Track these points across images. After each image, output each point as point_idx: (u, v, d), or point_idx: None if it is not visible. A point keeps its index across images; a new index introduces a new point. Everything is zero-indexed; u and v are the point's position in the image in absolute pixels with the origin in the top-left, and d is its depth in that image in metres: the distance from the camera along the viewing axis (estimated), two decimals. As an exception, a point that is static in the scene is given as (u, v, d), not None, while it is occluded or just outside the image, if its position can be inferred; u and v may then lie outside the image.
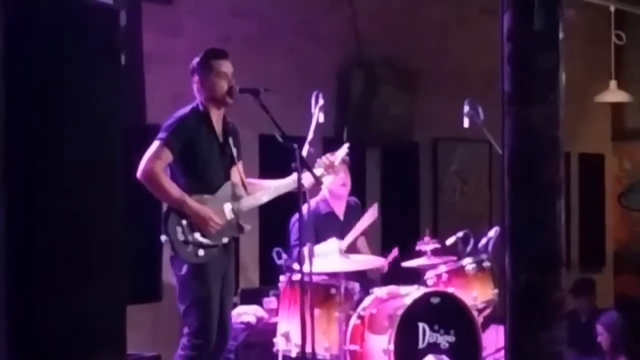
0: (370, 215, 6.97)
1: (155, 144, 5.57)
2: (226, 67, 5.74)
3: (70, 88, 4.34)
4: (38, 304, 4.65)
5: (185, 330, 5.66)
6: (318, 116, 6.52)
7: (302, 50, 9.04)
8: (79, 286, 4.91)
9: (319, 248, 6.18)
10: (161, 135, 5.62)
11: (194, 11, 8.31)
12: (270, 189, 5.95)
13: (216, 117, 5.78)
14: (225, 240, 5.70)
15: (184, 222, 5.58)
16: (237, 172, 5.87)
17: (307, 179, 5.77)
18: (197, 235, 5.59)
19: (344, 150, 6.36)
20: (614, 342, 7.81)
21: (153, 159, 5.54)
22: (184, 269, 5.59)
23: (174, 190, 5.57)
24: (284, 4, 8.96)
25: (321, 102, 6.52)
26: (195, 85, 5.76)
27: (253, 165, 8.05)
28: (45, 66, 4.29)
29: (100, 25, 4.50)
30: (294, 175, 5.74)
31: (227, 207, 5.72)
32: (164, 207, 5.65)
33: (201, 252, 5.59)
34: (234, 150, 5.84)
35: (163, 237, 5.56)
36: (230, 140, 5.84)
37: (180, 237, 5.57)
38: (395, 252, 6.99)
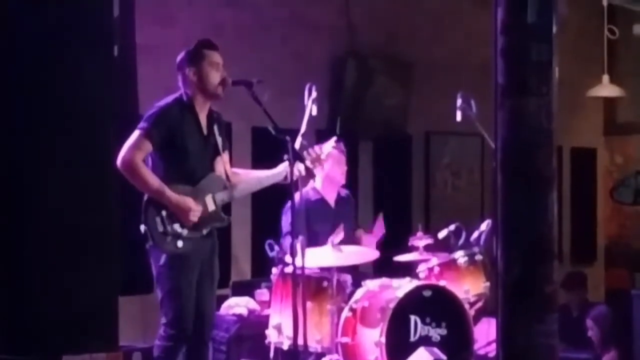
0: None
1: (136, 133, 5.53)
2: (217, 58, 5.72)
3: (63, 78, 4.35)
4: (30, 295, 4.65)
5: (162, 320, 5.67)
6: (311, 109, 6.52)
7: (295, 41, 9.04)
8: (71, 277, 4.91)
9: (313, 252, 6.18)
10: (142, 125, 5.58)
11: (188, 2, 8.31)
12: (253, 180, 5.94)
13: (201, 108, 5.74)
14: (205, 232, 5.70)
15: (164, 212, 5.56)
16: (221, 163, 5.85)
17: (297, 170, 5.78)
18: (177, 226, 5.58)
19: (331, 143, 6.35)
20: (603, 336, 7.83)
21: (132, 149, 5.51)
22: (162, 259, 5.59)
23: (153, 180, 5.55)
24: (277, -5, 8.97)
25: (314, 94, 6.52)
26: (182, 77, 5.71)
27: (246, 158, 8.05)
28: (38, 57, 4.29)
29: (93, 16, 4.50)
30: (280, 167, 5.76)
31: (209, 198, 5.70)
32: (145, 197, 5.63)
33: (180, 243, 5.59)
34: (219, 140, 5.81)
35: (142, 227, 5.56)
36: (215, 130, 5.80)
37: (160, 228, 5.56)
38: (380, 219, 6.97)
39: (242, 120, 8.17)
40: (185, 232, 5.59)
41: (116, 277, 5.61)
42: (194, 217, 5.59)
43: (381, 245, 6.99)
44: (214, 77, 5.67)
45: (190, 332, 5.62)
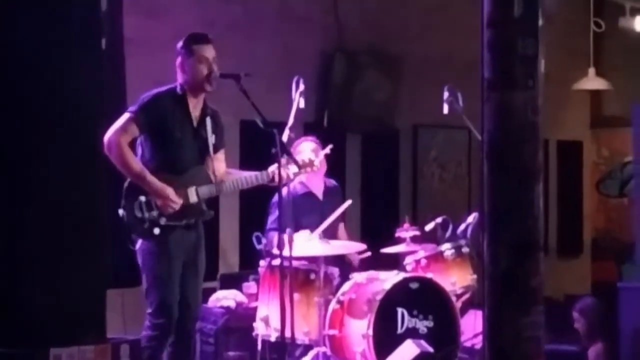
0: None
1: (124, 116, 5.62)
2: (208, 52, 5.74)
3: (51, 72, 4.36)
4: (19, 287, 4.66)
5: (147, 310, 5.71)
6: (299, 101, 6.54)
7: (285, 35, 9.06)
8: (60, 270, 4.92)
9: (301, 239, 6.22)
10: (132, 108, 5.68)
11: (177, -5, 8.31)
12: (241, 179, 5.96)
13: (194, 101, 5.79)
14: (183, 222, 5.72)
15: (142, 198, 5.61)
16: (213, 160, 5.87)
17: (293, 170, 5.92)
18: (154, 213, 5.63)
19: (325, 151, 6.51)
20: (590, 328, 7.85)
21: (119, 131, 5.59)
22: (138, 244, 5.64)
23: (136, 164, 5.61)
24: (267, -11, 8.98)
25: (302, 87, 6.54)
26: (177, 68, 5.78)
27: (234, 150, 8.06)
28: (26, 51, 4.30)
29: (81, 10, 4.51)
30: (269, 169, 5.81)
31: (192, 190, 5.74)
32: (126, 182, 5.66)
33: (157, 230, 5.63)
34: (212, 138, 5.84)
35: (120, 211, 5.59)
36: (209, 127, 5.83)
37: (137, 214, 5.61)
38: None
39: (230, 113, 8.15)
40: (163, 220, 5.63)
41: (106, 269, 5.62)
42: (173, 205, 5.63)
43: (366, 235, 7.01)
44: (200, 70, 5.70)
45: (175, 321, 5.66)
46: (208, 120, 5.84)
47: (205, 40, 5.78)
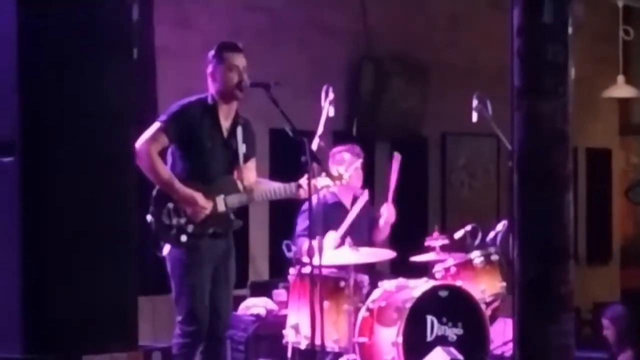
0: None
1: (155, 125, 5.66)
2: (239, 60, 5.77)
3: (84, 82, 4.39)
4: (51, 294, 4.70)
5: (177, 318, 5.74)
6: (328, 110, 6.57)
7: (312, 44, 9.09)
8: (90, 276, 4.96)
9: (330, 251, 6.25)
10: (162, 117, 5.73)
11: (206, 5, 8.36)
12: (270, 190, 5.98)
13: (225, 111, 5.82)
14: (210, 230, 5.75)
15: (170, 205, 5.65)
16: (243, 170, 5.89)
17: (322, 182, 5.96)
18: (182, 220, 5.66)
19: (355, 165, 6.62)
20: (619, 335, 7.82)
21: (149, 140, 5.63)
22: (166, 250, 5.68)
23: (164, 172, 5.66)
24: (294, -2, 9.02)
25: (331, 96, 6.57)
26: (208, 76, 5.82)
27: (263, 159, 8.09)
28: (60, 61, 4.34)
29: (113, 20, 4.55)
30: (297, 183, 5.86)
31: (220, 199, 5.76)
32: (155, 190, 5.70)
33: (184, 238, 5.66)
34: (243, 148, 5.87)
35: (148, 217, 5.63)
36: (239, 137, 5.86)
37: (165, 220, 5.65)
38: (397, 158, 6.92)
39: (260, 121, 8.19)
40: (190, 227, 5.66)
41: (135, 276, 5.65)
42: (202, 212, 5.66)
43: (396, 243, 7.01)
44: (230, 78, 5.73)
45: (206, 329, 5.69)
46: (239, 130, 5.86)
47: (236, 49, 5.82)
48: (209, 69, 5.79)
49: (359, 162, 6.85)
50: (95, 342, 5.06)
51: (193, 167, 5.75)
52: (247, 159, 5.92)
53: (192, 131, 5.72)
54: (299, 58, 8.93)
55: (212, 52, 5.80)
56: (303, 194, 5.87)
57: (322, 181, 6.01)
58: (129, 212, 5.02)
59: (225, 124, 5.83)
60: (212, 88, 5.80)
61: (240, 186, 5.85)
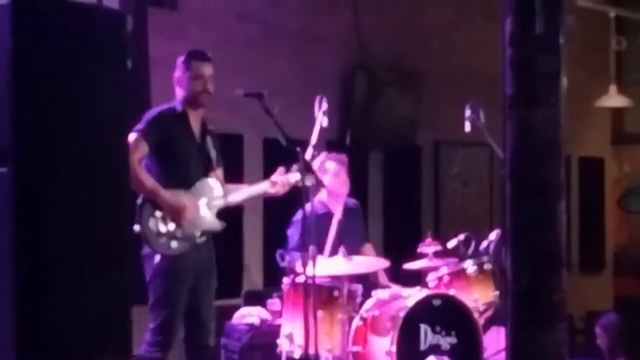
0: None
1: (133, 135, 5.62)
2: (206, 69, 5.88)
3: (78, 92, 4.41)
4: (45, 304, 4.70)
5: (150, 325, 5.76)
6: (321, 120, 6.58)
7: (306, 53, 9.10)
8: (85, 287, 4.96)
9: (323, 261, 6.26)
10: (138, 127, 5.74)
11: (200, 16, 8.37)
12: (244, 191, 6.10)
13: (194, 117, 5.93)
14: (198, 233, 5.78)
15: (158, 213, 5.68)
16: (216, 178, 5.95)
17: (293, 178, 6.01)
18: (171, 226, 5.69)
19: (321, 158, 6.74)
20: (612, 344, 7.83)
21: (131, 150, 5.63)
22: (156, 258, 5.70)
23: (148, 181, 5.69)
24: (288, 8, 9.02)
25: (325, 106, 6.58)
26: (175, 82, 5.91)
27: (257, 168, 8.10)
28: (54, 71, 4.35)
29: (107, 30, 4.56)
30: (271, 179, 6.02)
31: (203, 201, 5.83)
32: (139, 199, 5.71)
33: (174, 244, 5.70)
34: (213, 153, 5.96)
35: (136, 227, 5.63)
36: (209, 143, 5.96)
37: (154, 228, 5.67)
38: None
39: (254, 131, 8.23)
40: (179, 232, 5.70)
41: (130, 286, 5.66)
42: (189, 214, 5.69)
43: (389, 252, 7.03)
44: (195, 86, 5.84)
45: (175, 340, 5.73)
46: (208, 137, 5.97)
47: (204, 58, 5.91)
48: (176, 74, 5.88)
49: (340, 168, 6.92)
50: (90, 353, 5.07)
51: (172, 173, 5.80)
52: (217, 165, 6.02)
53: (169, 137, 5.79)
54: (292, 68, 8.94)
55: (180, 59, 5.89)
56: (276, 190, 6.03)
57: (293, 176, 6.04)
58: (124, 222, 5.03)
59: (196, 129, 5.91)
60: (178, 94, 5.92)
61: (220, 188, 5.90)
